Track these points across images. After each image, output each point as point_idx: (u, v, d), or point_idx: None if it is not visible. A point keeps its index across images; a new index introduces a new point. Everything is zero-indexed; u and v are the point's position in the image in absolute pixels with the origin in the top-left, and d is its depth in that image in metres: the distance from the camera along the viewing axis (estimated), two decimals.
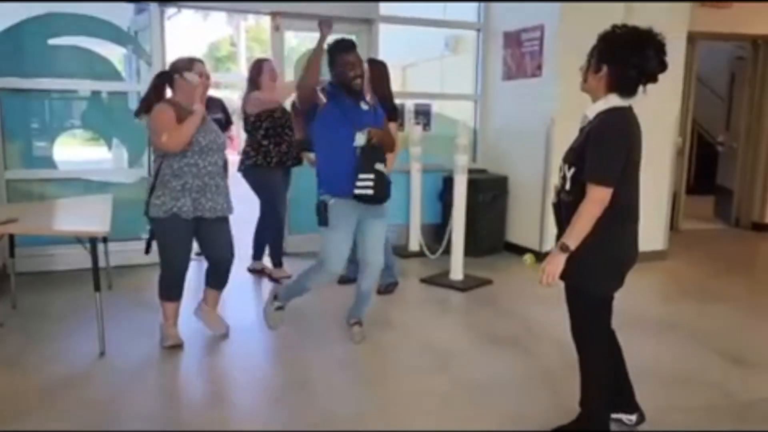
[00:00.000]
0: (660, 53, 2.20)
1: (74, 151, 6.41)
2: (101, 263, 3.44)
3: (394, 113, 4.36)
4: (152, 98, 3.28)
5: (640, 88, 2.28)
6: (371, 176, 3.30)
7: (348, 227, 3.38)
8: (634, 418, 2.63)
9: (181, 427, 2.69)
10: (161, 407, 2.89)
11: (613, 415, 2.60)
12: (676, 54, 5.41)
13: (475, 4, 6.23)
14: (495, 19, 6.09)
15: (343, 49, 3.34)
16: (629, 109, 2.31)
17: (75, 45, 5.00)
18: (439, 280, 4.81)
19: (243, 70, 20.39)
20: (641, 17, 5.00)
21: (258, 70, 4.58)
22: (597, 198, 2.21)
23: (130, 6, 5.09)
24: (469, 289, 4.65)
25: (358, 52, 3.39)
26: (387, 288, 4.52)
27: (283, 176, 4.78)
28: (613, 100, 2.27)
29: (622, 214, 2.31)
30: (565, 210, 2.37)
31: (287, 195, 5.00)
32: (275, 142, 4.59)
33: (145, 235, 3.41)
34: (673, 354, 3.52)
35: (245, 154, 4.64)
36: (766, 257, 6.32)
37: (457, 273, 4.83)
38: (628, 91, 2.26)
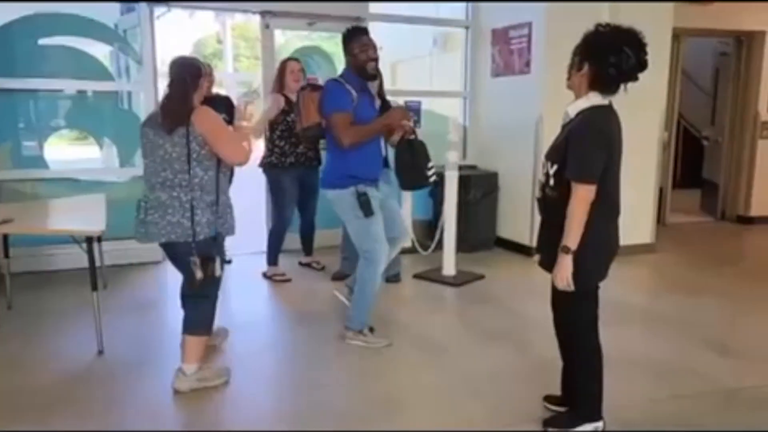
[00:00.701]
0: (640, 52, 2.25)
1: (62, 151, 6.41)
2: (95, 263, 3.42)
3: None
4: (187, 106, 2.81)
5: (622, 87, 2.34)
6: (431, 163, 3.60)
7: (378, 211, 3.43)
8: (600, 424, 2.65)
9: (181, 425, 2.73)
10: (162, 405, 2.92)
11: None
12: (661, 50, 5.51)
13: (463, 2, 6.28)
14: (483, 16, 6.14)
15: (357, 32, 3.41)
16: (609, 107, 2.38)
17: (64, 45, 5.01)
18: (432, 275, 4.87)
19: (229, 67, 20.30)
20: (626, 14, 5.11)
21: (282, 71, 4.66)
22: (582, 196, 2.29)
23: (116, 5, 5.11)
24: (462, 285, 4.71)
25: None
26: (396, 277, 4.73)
27: (300, 178, 4.75)
28: (594, 98, 2.34)
29: (607, 208, 2.40)
30: (551, 205, 2.45)
31: (316, 196, 4.88)
32: (291, 143, 4.62)
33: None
34: (662, 344, 3.60)
35: (266, 151, 4.76)
36: (751, 250, 6.43)
37: (449, 268, 4.88)
38: (609, 89, 2.33)
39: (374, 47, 3.40)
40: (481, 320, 3.99)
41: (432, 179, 3.66)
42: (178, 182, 2.77)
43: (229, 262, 4.93)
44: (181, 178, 2.77)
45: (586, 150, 2.30)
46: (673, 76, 6.41)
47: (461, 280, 4.78)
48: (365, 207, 3.31)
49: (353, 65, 3.38)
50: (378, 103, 3.54)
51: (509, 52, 5.71)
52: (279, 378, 3.23)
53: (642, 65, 2.27)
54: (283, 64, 4.70)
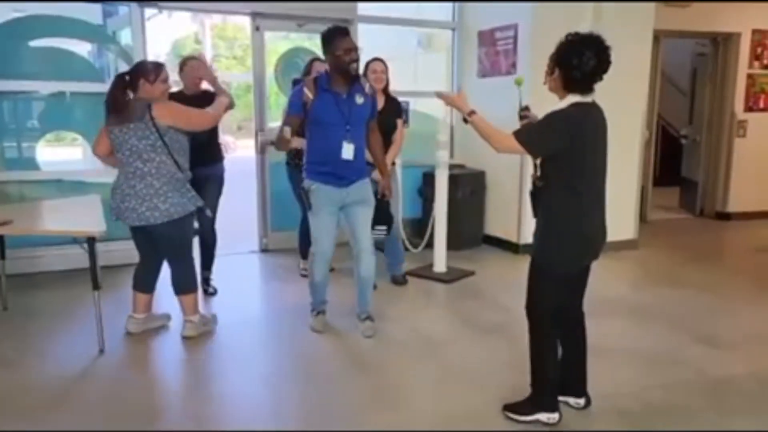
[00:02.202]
0: (600, 54, 2.44)
1: (48, 152, 6.38)
2: (87, 263, 3.38)
3: (400, 110, 4.59)
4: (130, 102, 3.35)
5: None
6: (384, 227, 3.97)
7: (331, 211, 3.51)
8: (582, 401, 2.81)
9: (183, 421, 2.78)
10: (165, 401, 2.97)
11: (561, 398, 2.76)
12: (643, 51, 5.66)
13: (449, 4, 6.38)
14: (469, 18, 6.25)
15: (339, 34, 3.37)
16: (590, 104, 2.53)
17: (55, 46, 5.00)
18: (423, 272, 4.95)
19: None
20: (609, 16, 5.25)
21: (308, 70, 4.65)
22: (509, 142, 2.50)
23: (98, 6, 5.13)
24: (453, 281, 4.81)
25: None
26: (404, 278, 4.78)
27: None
28: (573, 98, 2.50)
29: (576, 199, 2.51)
30: (539, 195, 2.60)
31: None
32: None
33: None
34: (648, 336, 3.73)
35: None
36: (730, 244, 6.62)
37: (440, 265, 4.98)
38: (581, 89, 2.49)
39: (356, 49, 3.40)
40: (474, 315, 4.08)
41: (374, 237, 3.81)
42: (147, 171, 3.27)
43: (214, 293, 4.58)
44: (150, 166, 3.28)
45: (540, 124, 2.54)
46: (653, 76, 6.57)
47: (452, 276, 4.88)
48: (305, 200, 3.49)
49: (335, 66, 3.37)
50: (361, 100, 3.45)
51: (495, 53, 5.82)
52: (280, 372, 3.29)
53: (603, 66, 2.46)
54: (311, 63, 4.70)
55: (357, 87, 3.46)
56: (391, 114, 4.47)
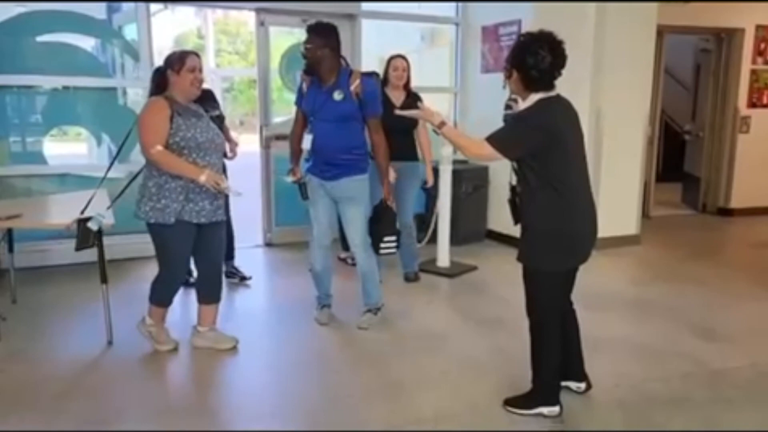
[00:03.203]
0: (554, 50, 2.47)
1: (53, 147, 6.43)
2: (95, 257, 3.42)
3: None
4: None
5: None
6: (394, 238, 3.66)
7: (324, 202, 3.61)
8: (583, 385, 2.87)
9: (190, 411, 2.83)
10: (171, 394, 3.02)
11: (563, 383, 2.82)
12: (646, 48, 5.66)
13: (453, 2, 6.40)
14: (473, 13, 6.27)
15: (309, 30, 3.44)
16: (555, 98, 2.56)
17: (60, 41, 5.05)
18: (427, 267, 4.98)
19: (211, 62, 20.24)
20: (611, 12, 5.25)
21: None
22: (484, 149, 2.52)
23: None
24: (457, 275, 4.85)
25: (315, 36, 3.38)
26: (416, 275, 4.77)
27: None
28: (537, 96, 2.53)
29: (557, 193, 2.52)
30: (520, 199, 2.67)
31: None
32: None
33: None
34: (650, 329, 3.76)
35: None
36: (731, 240, 6.64)
37: (444, 260, 5.02)
38: (541, 87, 2.52)
39: (309, 46, 3.38)
40: (476, 309, 4.13)
41: (382, 252, 3.67)
42: (144, 170, 3.25)
43: (245, 278, 4.72)
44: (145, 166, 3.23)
45: (511, 126, 2.60)
46: (656, 72, 6.58)
47: (455, 271, 4.92)
48: (300, 191, 3.60)
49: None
50: (339, 96, 3.42)
51: (499, 49, 5.84)
52: (285, 365, 3.33)
53: (559, 61, 2.49)
54: None
55: (341, 83, 3.44)
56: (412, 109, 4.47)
